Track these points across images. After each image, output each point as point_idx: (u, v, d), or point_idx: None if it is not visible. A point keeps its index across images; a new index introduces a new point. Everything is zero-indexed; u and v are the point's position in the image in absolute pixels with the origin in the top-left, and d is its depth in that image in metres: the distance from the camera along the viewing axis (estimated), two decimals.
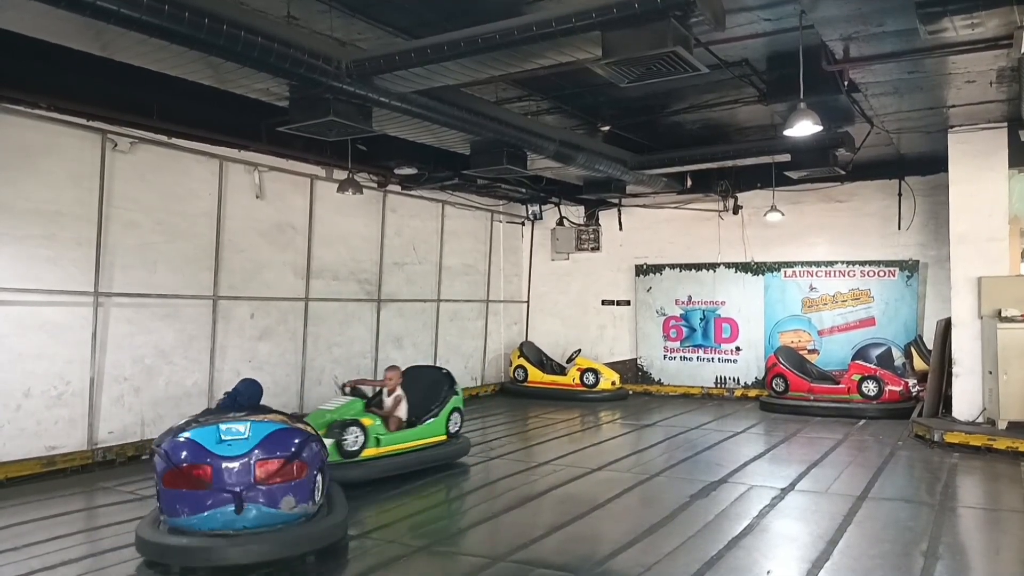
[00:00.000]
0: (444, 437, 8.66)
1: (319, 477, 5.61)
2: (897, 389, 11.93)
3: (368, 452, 7.78)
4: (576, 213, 16.08)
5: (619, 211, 15.70)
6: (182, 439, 5.38)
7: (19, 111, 7.99)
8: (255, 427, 5.43)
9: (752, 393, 14.18)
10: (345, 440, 7.58)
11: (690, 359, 15.03)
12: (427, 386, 8.93)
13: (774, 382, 12.82)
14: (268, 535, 5.30)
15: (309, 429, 5.85)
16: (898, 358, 13.11)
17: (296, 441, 5.50)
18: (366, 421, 7.85)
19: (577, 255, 16.19)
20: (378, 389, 8.63)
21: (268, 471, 5.28)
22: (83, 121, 8.51)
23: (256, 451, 5.30)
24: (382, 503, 7.28)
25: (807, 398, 12.42)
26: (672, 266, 15.17)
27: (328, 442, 6.98)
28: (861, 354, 13.26)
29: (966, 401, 9.96)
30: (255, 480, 5.25)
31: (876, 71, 7.63)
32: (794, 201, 13.71)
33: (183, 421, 5.79)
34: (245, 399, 6.22)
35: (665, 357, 15.24)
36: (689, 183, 13.32)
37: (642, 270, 15.47)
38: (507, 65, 6.09)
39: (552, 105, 10.21)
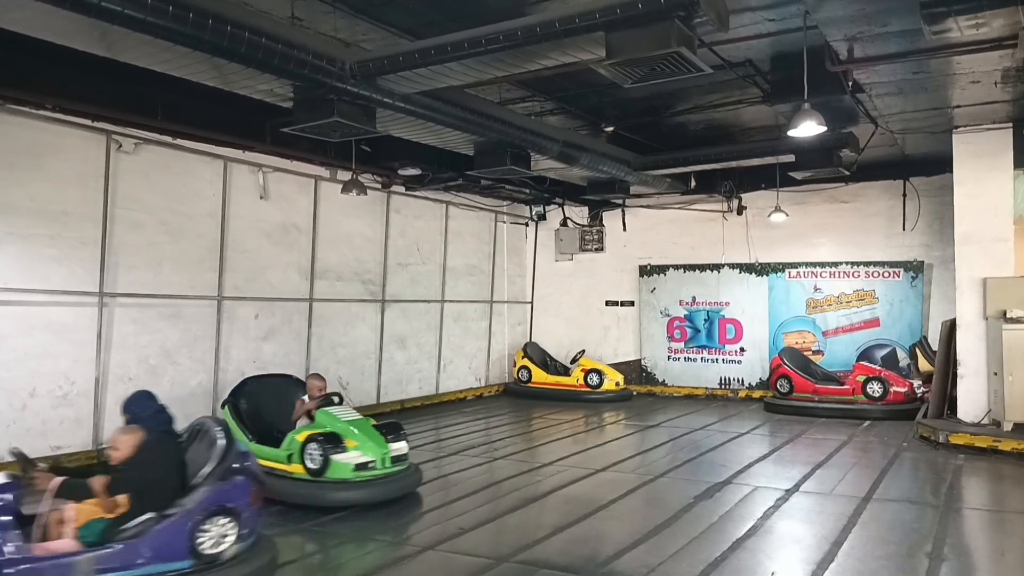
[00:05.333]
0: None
1: None
2: (902, 390, 11.91)
3: None
4: (580, 214, 16.07)
5: (623, 212, 15.69)
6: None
7: (25, 112, 8.03)
8: None
9: (756, 394, 14.16)
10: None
11: (694, 360, 15.01)
12: (281, 398, 8.16)
13: (778, 383, 12.80)
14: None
15: None
16: (903, 359, 13.09)
17: None
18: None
19: (581, 256, 16.18)
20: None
21: None
22: (88, 122, 8.55)
23: None
24: None
25: (812, 399, 12.40)
26: (676, 267, 15.16)
27: None
28: (866, 355, 13.25)
29: (971, 402, 9.93)
30: None
31: (880, 71, 7.62)
32: (798, 202, 13.69)
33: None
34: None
35: (669, 358, 15.23)
36: (693, 184, 13.28)
37: (646, 271, 15.46)
38: (511, 66, 6.09)
39: (556, 106, 10.21)
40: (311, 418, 7.53)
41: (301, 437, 7.17)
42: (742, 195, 14.26)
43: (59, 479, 4.77)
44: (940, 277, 12.99)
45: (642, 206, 15.39)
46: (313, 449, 7.06)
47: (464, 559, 5.62)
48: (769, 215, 13.04)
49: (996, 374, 9.44)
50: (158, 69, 6.02)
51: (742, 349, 14.61)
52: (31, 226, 8.17)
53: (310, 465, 7.05)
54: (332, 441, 7.07)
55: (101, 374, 8.71)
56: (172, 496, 4.87)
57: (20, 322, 8.09)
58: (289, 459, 7.21)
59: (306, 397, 7.88)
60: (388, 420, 8.07)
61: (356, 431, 7.24)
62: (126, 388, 8.94)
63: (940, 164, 11.52)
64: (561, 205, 15.83)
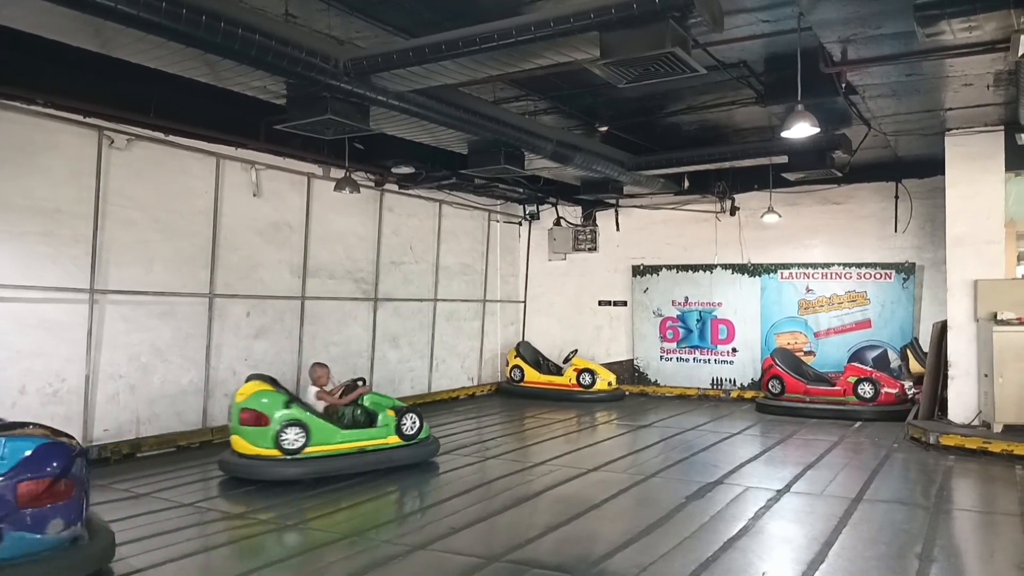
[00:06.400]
0: None
1: (87, 496, 5.13)
2: (893, 391, 11.95)
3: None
4: (573, 213, 16.09)
5: (616, 212, 15.71)
6: None
7: (17, 107, 7.98)
8: (12, 444, 4.74)
9: (748, 394, 14.19)
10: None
11: (686, 360, 15.04)
12: None
13: (770, 384, 12.82)
14: (31, 566, 4.64)
15: (75, 443, 5.21)
16: (894, 360, 13.12)
17: (64, 458, 4.90)
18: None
19: (574, 255, 16.20)
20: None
21: (33, 492, 4.66)
22: (80, 118, 8.50)
23: (18, 470, 4.64)
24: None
25: (803, 400, 12.43)
26: (669, 267, 15.18)
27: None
28: (857, 356, 13.29)
29: (961, 404, 9.97)
30: (18, 504, 4.60)
31: (874, 73, 7.65)
32: (791, 203, 13.73)
33: None
34: None
35: (662, 358, 15.25)
36: (686, 184, 13.31)
37: (639, 271, 15.48)
38: (505, 65, 6.08)
39: (550, 105, 10.21)
40: (351, 403, 8.57)
41: (392, 413, 8.46)
42: (735, 196, 14.30)
43: None
44: (931, 279, 13.05)
45: (635, 206, 15.41)
46: (409, 419, 8.54)
47: (455, 558, 5.61)
48: (762, 216, 13.07)
49: (986, 376, 9.48)
50: (151, 65, 6.01)
51: (734, 350, 14.64)
52: (23, 223, 8.12)
53: (408, 432, 8.50)
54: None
55: (91, 372, 8.66)
56: None
57: (12, 319, 8.04)
58: (386, 433, 8.41)
59: (312, 387, 8.25)
60: None
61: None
62: (116, 386, 8.96)
63: (932, 166, 11.58)
64: (555, 204, 15.83)
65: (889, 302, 13.41)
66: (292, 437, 7.70)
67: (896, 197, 13.31)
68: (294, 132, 7.53)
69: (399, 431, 8.44)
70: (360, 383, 8.80)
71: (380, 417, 8.45)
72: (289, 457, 7.69)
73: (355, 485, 7.77)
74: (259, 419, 7.66)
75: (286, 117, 7.01)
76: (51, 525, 4.73)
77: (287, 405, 7.79)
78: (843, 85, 7.88)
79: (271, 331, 10.94)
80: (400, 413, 8.50)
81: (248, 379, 8.18)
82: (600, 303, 16.05)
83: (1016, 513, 6.79)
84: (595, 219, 15.98)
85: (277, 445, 7.63)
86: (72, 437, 5.36)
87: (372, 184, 12.49)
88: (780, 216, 13.04)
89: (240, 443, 7.75)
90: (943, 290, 10.62)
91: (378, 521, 6.84)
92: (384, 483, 8.01)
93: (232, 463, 7.81)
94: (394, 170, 12.10)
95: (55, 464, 4.81)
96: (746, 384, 14.47)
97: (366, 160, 11.71)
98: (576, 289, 16.26)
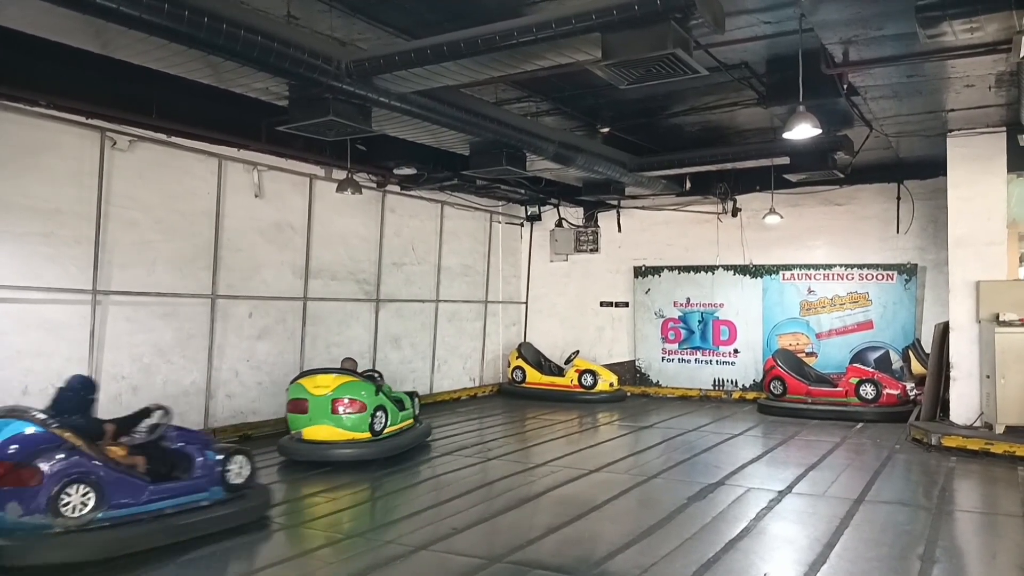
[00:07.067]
0: None
1: (78, 490, 5.26)
2: (895, 393, 11.94)
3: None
4: (575, 214, 16.09)
5: (618, 213, 15.71)
6: None
7: (19, 108, 8.00)
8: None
9: (750, 396, 14.19)
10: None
11: (688, 361, 15.03)
12: None
13: (772, 385, 12.82)
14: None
15: (68, 437, 5.42)
16: (896, 362, 13.13)
17: (34, 447, 5.21)
18: None
19: (576, 256, 16.20)
20: None
21: None
22: (82, 119, 8.52)
23: None
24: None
25: (805, 401, 12.42)
26: (671, 268, 15.18)
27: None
28: (859, 357, 13.29)
29: (963, 405, 9.96)
30: None
31: (875, 75, 7.65)
32: (793, 204, 13.73)
33: None
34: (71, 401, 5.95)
35: (663, 359, 15.25)
36: (688, 185, 13.31)
37: (641, 272, 15.48)
38: (507, 66, 6.09)
39: (552, 106, 10.22)
40: None
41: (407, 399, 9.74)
42: (737, 197, 14.29)
43: None
44: (933, 280, 13.04)
45: (637, 207, 15.41)
46: (415, 400, 9.96)
47: (457, 559, 5.61)
48: (763, 217, 13.08)
49: (988, 377, 9.48)
50: (153, 67, 6.01)
51: (736, 351, 14.63)
52: (24, 224, 8.13)
53: (417, 412, 9.93)
54: None
55: (94, 372, 8.66)
56: None
57: (14, 320, 8.05)
58: (412, 414, 9.81)
59: None
60: None
61: None
62: (119, 387, 8.97)
63: (934, 167, 11.58)
64: (556, 206, 15.84)
65: (891, 303, 13.40)
66: (380, 419, 8.89)
67: (898, 198, 13.31)
68: (296, 133, 7.53)
69: (413, 415, 9.81)
70: (377, 375, 9.46)
71: (406, 400, 9.60)
72: (375, 438, 8.81)
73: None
74: (354, 406, 8.70)
75: (288, 118, 7.02)
76: (9, 507, 5.08)
77: (376, 392, 8.97)
78: (845, 86, 7.89)
79: (273, 332, 10.95)
80: (412, 395, 9.89)
81: (306, 374, 9.17)
82: (602, 304, 16.05)
83: (1018, 514, 6.79)
84: (597, 220, 15.97)
85: (370, 427, 8.76)
86: (80, 434, 5.54)
87: (374, 185, 12.49)
88: (782, 217, 13.04)
89: (327, 431, 8.65)
90: (945, 291, 10.61)
91: (379, 521, 6.84)
92: (385, 482, 8.03)
93: (314, 449, 8.64)
94: (396, 171, 12.11)
95: (15, 449, 5.17)
96: (748, 385, 14.46)
97: (368, 161, 11.71)
98: (578, 290, 16.26)
